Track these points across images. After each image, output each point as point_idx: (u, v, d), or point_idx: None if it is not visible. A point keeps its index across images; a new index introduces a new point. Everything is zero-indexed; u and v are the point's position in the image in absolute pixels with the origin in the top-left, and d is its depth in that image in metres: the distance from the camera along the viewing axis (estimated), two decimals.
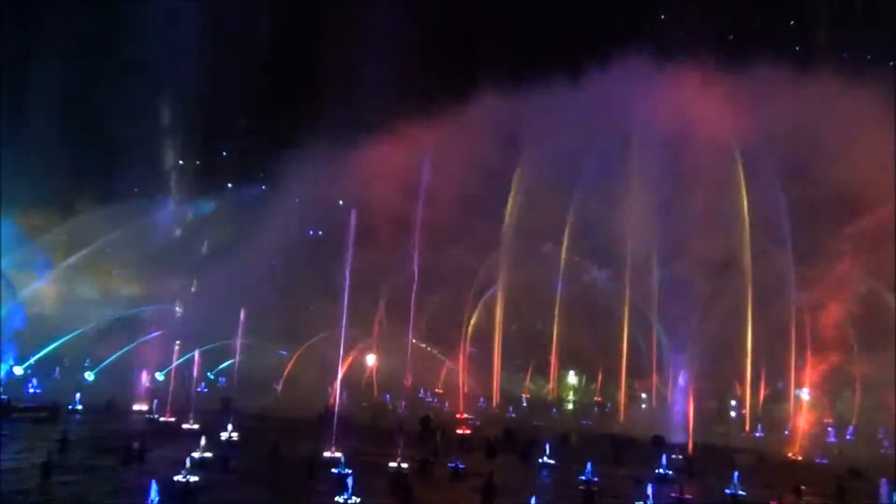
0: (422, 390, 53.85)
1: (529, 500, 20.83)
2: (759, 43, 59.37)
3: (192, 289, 62.60)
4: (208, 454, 24.67)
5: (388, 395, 47.14)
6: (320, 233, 72.92)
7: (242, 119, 70.72)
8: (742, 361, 54.02)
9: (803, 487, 26.17)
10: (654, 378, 57.70)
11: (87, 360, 55.26)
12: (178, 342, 62.94)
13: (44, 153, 58.70)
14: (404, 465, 25.89)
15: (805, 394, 54.75)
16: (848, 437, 45.91)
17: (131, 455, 24.47)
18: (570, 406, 55.42)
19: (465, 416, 42.29)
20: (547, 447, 29.30)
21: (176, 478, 21.45)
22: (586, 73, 54.58)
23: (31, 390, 37.86)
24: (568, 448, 30.88)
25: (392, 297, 62.62)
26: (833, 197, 52.95)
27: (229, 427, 28.89)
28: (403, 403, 43.56)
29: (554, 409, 49.50)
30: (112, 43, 61.23)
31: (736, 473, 25.50)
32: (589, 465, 26.03)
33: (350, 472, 21.67)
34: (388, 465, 25.75)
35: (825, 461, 35.78)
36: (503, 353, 58.28)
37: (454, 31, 66.21)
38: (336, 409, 40.47)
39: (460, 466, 26.82)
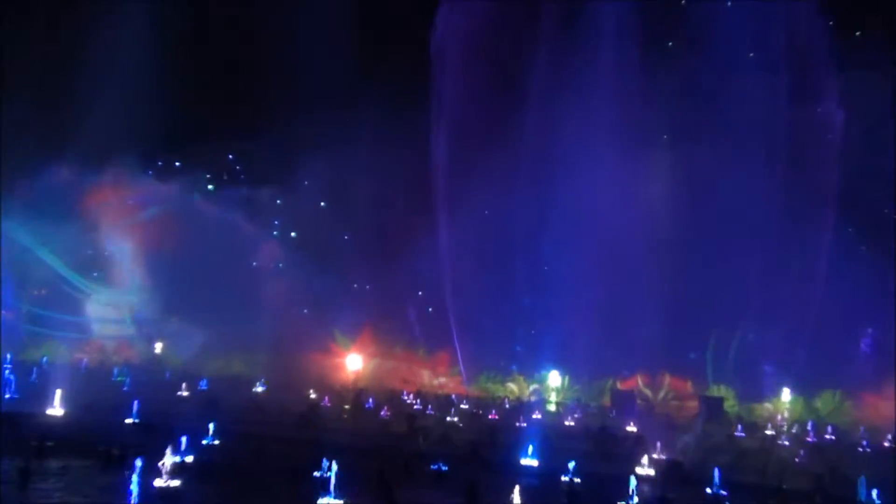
0: (404, 392, 53.84)
1: (511, 500, 20.86)
2: None
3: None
4: (189, 458, 24.46)
5: (370, 399, 46.96)
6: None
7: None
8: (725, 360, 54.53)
9: (784, 486, 26.36)
10: (638, 378, 58.10)
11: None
12: (158, 343, 63.10)
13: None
14: (387, 468, 25.82)
15: (786, 393, 55.39)
16: (827, 436, 46.30)
17: (111, 460, 24.21)
18: (553, 407, 55.54)
19: (448, 418, 42.24)
20: (530, 447, 29.38)
21: (156, 482, 21.25)
22: None
23: (8, 395, 37.27)
24: (550, 448, 30.91)
25: (376, 302, 62.86)
26: None
27: (211, 430, 28.66)
28: (386, 406, 43.47)
29: (537, 410, 49.57)
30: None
31: (717, 473, 25.63)
32: (571, 466, 26.13)
33: (332, 474, 21.55)
34: (370, 467, 25.66)
35: (805, 460, 36.05)
36: (485, 355, 58.45)
37: None
38: (319, 411, 40.55)
39: (443, 468, 26.80)
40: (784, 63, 59.14)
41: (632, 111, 56.74)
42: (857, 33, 60.64)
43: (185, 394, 45.34)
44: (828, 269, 56.30)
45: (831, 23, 58.90)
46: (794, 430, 48.57)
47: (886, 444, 44.06)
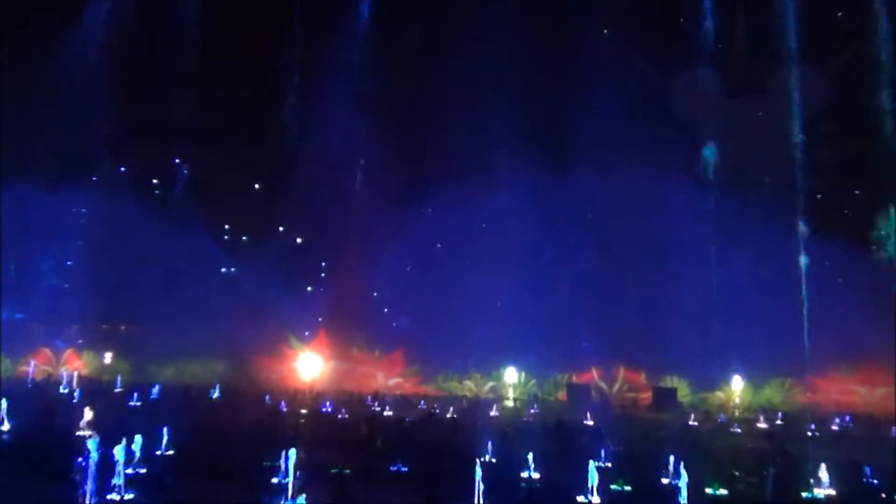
0: (363, 394, 53.58)
1: (473, 499, 20.93)
2: None
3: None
4: (143, 469, 23.99)
5: (328, 402, 46.61)
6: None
7: None
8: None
9: (737, 473, 26.88)
10: (594, 371, 58.71)
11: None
12: (108, 354, 61.71)
13: None
14: (347, 471, 25.71)
15: (738, 381, 56.54)
16: (778, 421, 47.39)
17: (62, 475, 23.58)
18: (511, 403, 55.87)
19: (407, 418, 42.14)
20: (489, 445, 29.47)
21: (109, 496, 20.80)
22: None
23: None
24: (509, 445, 31.07)
25: (331, 305, 62.41)
26: None
27: (164, 440, 28.13)
28: (343, 409, 43.24)
29: (494, 407, 49.77)
30: None
31: (672, 462, 26.03)
32: (530, 462, 26.33)
33: (291, 480, 21.35)
34: (330, 470, 25.51)
35: (756, 446, 36.83)
36: (442, 354, 58.48)
37: None
38: (275, 417, 40.07)
39: (403, 469, 26.78)
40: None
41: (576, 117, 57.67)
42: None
43: (137, 404, 44.28)
44: (773, 258, 57.68)
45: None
46: (745, 417, 49.71)
47: (835, 427, 45.28)
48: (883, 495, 24.79)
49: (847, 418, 47.30)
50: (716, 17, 62.19)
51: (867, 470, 26.86)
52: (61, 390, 48.93)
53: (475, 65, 57.78)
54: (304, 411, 45.04)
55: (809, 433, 42.35)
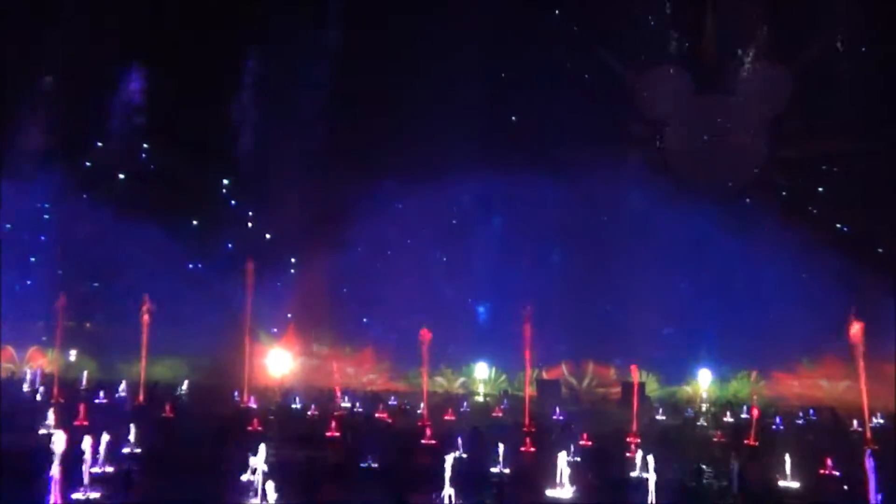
0: (333, 391, 53.37)
1: (443, 495, 20.96)
2: None
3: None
4: (109, 468, 23.69)
5: (297, 398, 46.35)
6: None
7: None
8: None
9: (703, 466, 27.24)
10: (563, 366, 59.11)
11: None
12: (73, 351, 60.74)
13: None
14: (317, 468, 25.62)
15: (705, 375, 57.28)
16: (743, 415, 48.05)
17: (26, 473, 23.23)
18: (481, 399, 56.06)
19: (377, 414, 42.12)
20: (459, 440, 29.54)
21: (74, 496, 20.52)
22: None
23: None
24: (480, 440, 31.18)
25: (300, 301, 62.02)
26: None
27: (131, 438, 27.80)
28: (313, 405, 43.05)
29: (464, 403, 49.87)
30: None
31: (640, 455, 26.30)
32: (500, 457, 26.44)
33: (260, 478, 21.22)
34: (300, 468, 25.38)
35: (722, 439, 37.34)
36: (413, 351, 58.45)
37: None
38: (245, 414, 39.83)
39: (373, 465, 26.74)
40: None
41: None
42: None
43: (103, 401, 43.72)
44: (738, 255, 58.54)
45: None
46: (711, 411, 50.41)
47: (799, 421, 46.06)
48: (845, 487, 25.29)
49: (811, 412, 48.17)
50: (681, 15, 63.06)
51: (829, 462, 27.47)
52: (25, 388, 48.15)
53: (448, 63, 57.80)
54: (272, 408, 44.80)
55: (774, 426, 43.02)
